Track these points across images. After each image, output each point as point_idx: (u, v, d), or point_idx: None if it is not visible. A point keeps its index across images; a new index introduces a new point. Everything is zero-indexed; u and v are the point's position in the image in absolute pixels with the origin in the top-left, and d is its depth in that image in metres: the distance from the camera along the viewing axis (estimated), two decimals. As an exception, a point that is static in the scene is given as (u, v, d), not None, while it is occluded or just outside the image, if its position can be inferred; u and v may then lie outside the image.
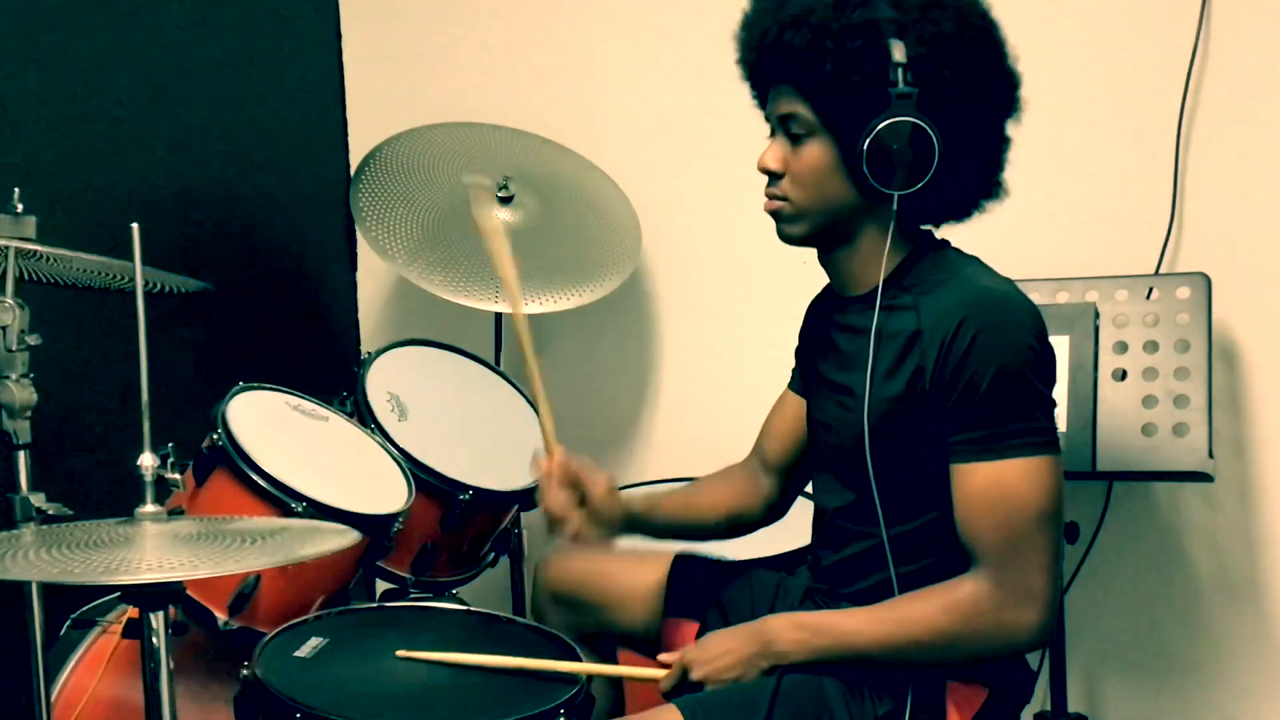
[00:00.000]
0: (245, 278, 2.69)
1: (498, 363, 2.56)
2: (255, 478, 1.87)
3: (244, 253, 2.68)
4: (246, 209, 2.69)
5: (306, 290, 2.92)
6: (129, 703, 1.89)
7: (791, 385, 1.85)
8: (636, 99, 2.68)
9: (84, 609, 2.03)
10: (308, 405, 2.12)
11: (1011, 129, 1.58)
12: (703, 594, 1.80)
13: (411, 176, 2.57)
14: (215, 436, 1.89)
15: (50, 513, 1.77)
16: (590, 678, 1.63)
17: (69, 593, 2.04)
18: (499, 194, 2.54)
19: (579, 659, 1.68)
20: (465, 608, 1.90)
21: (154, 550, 1.33)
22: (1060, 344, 1.97)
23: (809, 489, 1.80)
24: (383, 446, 2.12)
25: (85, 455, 2.29)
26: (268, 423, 2.01)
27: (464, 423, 2.32)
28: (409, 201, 2.52)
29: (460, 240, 2.48)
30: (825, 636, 1.55)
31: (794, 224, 1.59)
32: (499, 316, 2.61)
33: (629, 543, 1.80)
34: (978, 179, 1.58)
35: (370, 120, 2.91)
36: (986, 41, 1.53)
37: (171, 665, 1.38)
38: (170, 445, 1.88)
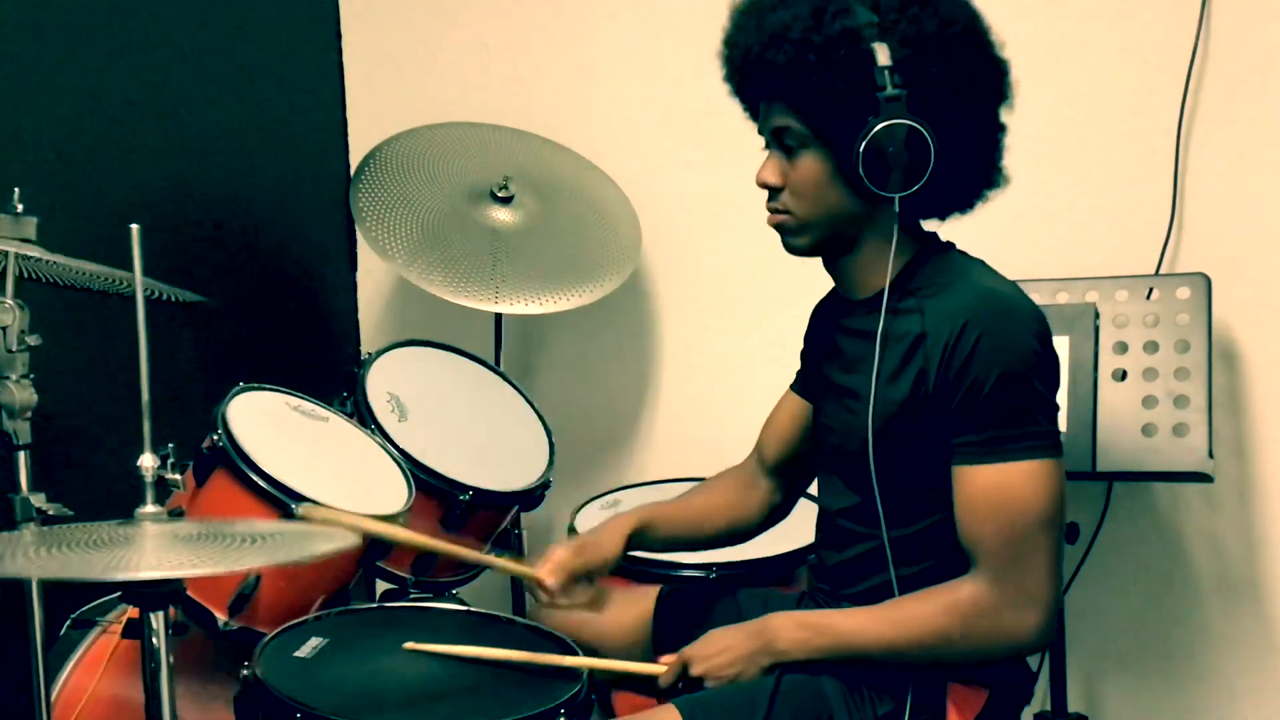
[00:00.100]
0: (245, 278, 2.69)
1: (498, 363, 2.56)
2: (255, 478, 1.86)
3: (244, 252, 2.68)
4: (246, 209, 2.69)
5: (306, 290, 2.92)
6: (129, 703, 1.89)
7: (794, 386, 1.85)
8: (636, 99, 2.68)
9: (84, 609, 2.03)
10: (308, 406, 2.12)
11: (1010, 126, 1.58)
12: (690, 626, 1.78)
13: (411, 176, 2.57)
14: (215, 437, 1.89)
15: (50, 513, 1.77)
16: (591, 675, 1.63)
17: (69, 592, 2.04)
18: (499, 194, 2.54)
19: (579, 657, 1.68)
20: (465, 608, 1.90)
21: (154, 550, 1.33)
22: (1060, 344, 1.96)
23: (813, 490, 1.80)
24: (383, 447, 2.12)
25: (85, 455, 2.29)
26: (268, 423, 2.01)
27: (464, 423, 2.32)
28: (409, 201, 2.52)
29: (460, 240, 2.48)
30: (826, 635, 1.55)
31: (799, 236, 1.59)
32: (499, 316, 2.61)
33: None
34: (978, 170, 1.58)
35: (370, 120, 2.91)
36: (970, 33, 1.52)
37: (171, 664, 1.38)
38: (170, 446, 1.88)
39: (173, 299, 2.03)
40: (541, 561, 1.71)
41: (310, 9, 2.88)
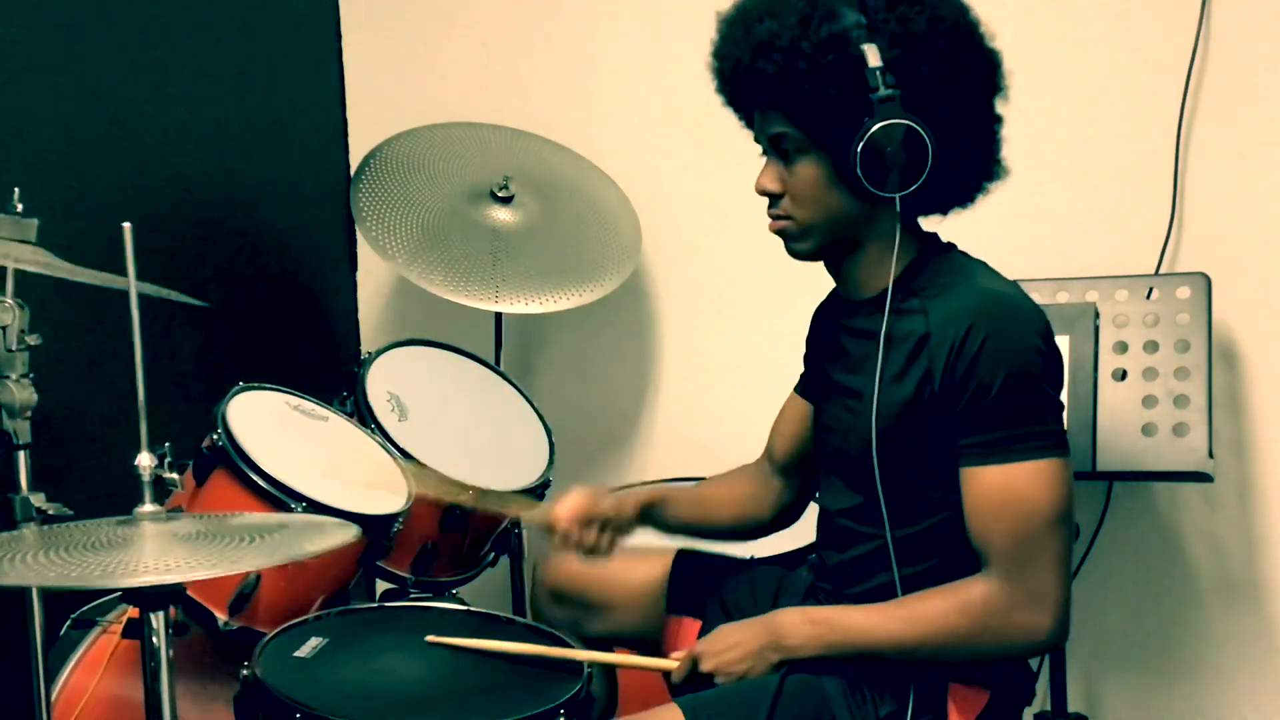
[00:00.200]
0: (245, 277, 2.69)
1: (498, 363, 2.56)
2: (255, 478, 1.87)
3: (244, 252, 2.68)
4: (247, 209, 2.69)
5: (307, 290, 2.92)
6: (129, 703, 1.89)
7: (798, 388, 1.85)
8: (636, 99, 2.68)
9: (84, 609, 2.03)
10: (308, 405, 2.12)
11: (1010, 126, 1.58)
12: (704, 590, 1.80)
13: (411, 176, 2.57)
14: (215, 436, 1.89)
15: (50, 513, 1.77)
16: (592, 675, 1.63)
17: (69, 592, 2.04)
18: (499, 194, 2.54)
19: (580, 657, 1.68)
20: (465, 608, 1.90)
21: (154, 550, 1.33)
22: (1060, 344, 1.96)
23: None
24: (383, 446, 2.12)
25: (85, 455, 2.29)
26: (268, 423, 2.01)
27: (464, 423, 2.32)
28: (409, 201, 2.52)
29: (460, 240, 2.48)
30: (837, 632, 1.55)
31: (802, 241, 1.59)
32: (499, 316, 2.61)
33: (632, 541, 1.81)
34: (976, 163, 1.57)
35: (370, 120, 2.91)
36: (960, 28, 1.51)
37: (171, 664, 1.38)
38: (167, 445, 1.88)
39: (173, 299, 2.02)
40: (559, 501, 1.76)
41: (310, 9, 2.88)
